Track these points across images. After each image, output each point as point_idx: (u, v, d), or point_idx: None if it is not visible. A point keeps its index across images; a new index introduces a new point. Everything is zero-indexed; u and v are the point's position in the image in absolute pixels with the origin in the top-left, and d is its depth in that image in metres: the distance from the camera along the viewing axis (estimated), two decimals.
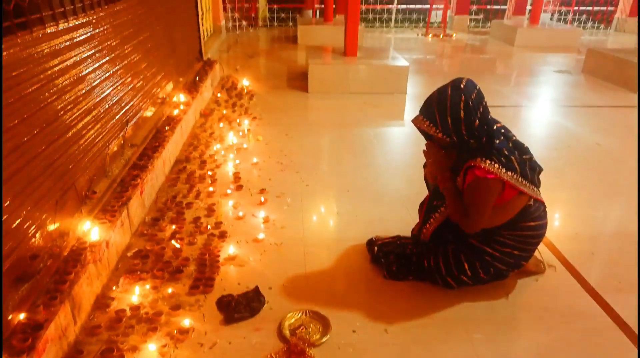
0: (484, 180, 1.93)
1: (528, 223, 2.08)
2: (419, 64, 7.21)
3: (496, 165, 1.93)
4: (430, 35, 9.71)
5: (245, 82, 5.55)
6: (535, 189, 2.08)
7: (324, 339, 1.93)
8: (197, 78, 4.77)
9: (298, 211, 2.92)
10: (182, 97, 4.08)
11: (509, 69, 7.41)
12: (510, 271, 2.22)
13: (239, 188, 3.14)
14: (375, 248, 2.43)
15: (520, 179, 1.98)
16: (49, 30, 2.04)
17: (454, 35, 9.77)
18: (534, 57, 7.88)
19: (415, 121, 2.07)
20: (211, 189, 3.08)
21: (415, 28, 10.60)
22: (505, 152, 1.97)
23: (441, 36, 9.60)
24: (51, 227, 2.00)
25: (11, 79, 1.73)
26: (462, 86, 1.95)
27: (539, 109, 5.17)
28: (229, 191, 3.08)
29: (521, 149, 2.06)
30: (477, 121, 1.94)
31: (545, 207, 2.15)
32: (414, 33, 10.09)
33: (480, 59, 7.95)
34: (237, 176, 3.27)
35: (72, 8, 2.27)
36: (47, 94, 1.99)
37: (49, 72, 2.01)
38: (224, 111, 4.60)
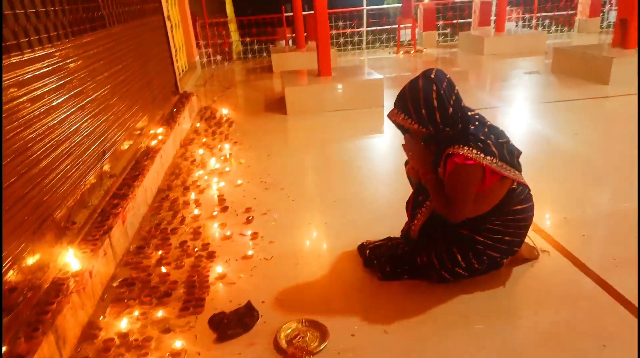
0: (464, 167, 1.92)
1: (515, 207, 2.07)
2: (394, 79, 7.33)
3: (474, 150, 1.93)
4: (401, 52, 9.93)
5: (223, 111, 5.56)
6: (517, 172, 2.08)
7: (322, 346, 1.86)
8: (175, 110, 4.77)
9: (286, 225, 2.87)
10: (160, 128, 4.06)
11: (481, 76, 7.57)
12: (505, 259, 2.19)
13: (224, 209, 3.09)
14: (367, 252, 2.39)
15: (500, 163, 1.97)
16: (13, 60, 2.02)
17: (425, 50, 10.00)
18: (504, 63, 8.07)
19: (390, 115, 2.06)
20: (196, 212, 3.03)
21: (386, 47, 10.83)
22: (482, 137, 1.97)
23: (412, 53, 9.82)
24: (29, 259, 1.92)
25: None
26: (432, 75, 1.96)
27: (515, 108, 5.26)
28: (214, 213, 3.03)
29: (497, 134, 2.06)
30: (451, 109, 1.94)
31: (529, 190, 2.15)
32: (386, 52, 10.30)
33: (453, 70, 8.12)
34: (221, 199, 3.23)
35: (38, 38, 2.26)
36: (14, 124, 1.95)
37: (15, 102, 1.98)
38: (204, 139, 4.58)
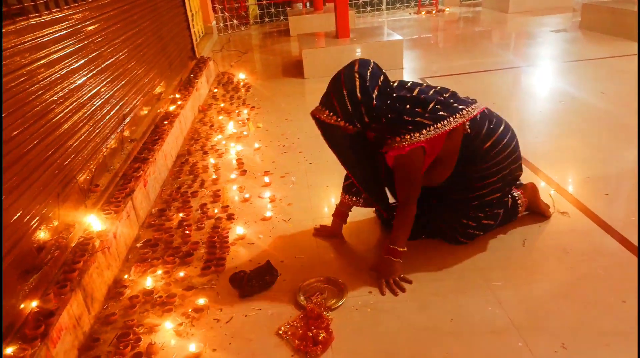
0: (401, 157, 1.88)
1: (485, 146, 1.98)
2: (414, 41, 7.13)
3: (406, 136, 1.85)
4: (423, 12, 9.61)
5: (241, 76, 5.52)
6: (465, 109, 1.93)
7: (340, 302, 1.90)
8: (192, 75, 4.76)
9: (304, 187, 2.88)
10: (178, 94, 4.07)
11: (505, 35, 7.30)
12: (517, 203, 2.21)
13: (243, 172, 3.12)
14: (385, 214, 2.39)
15: (437, 126, 1.86)
16: (32, 22, 2.02)
17: (447, 10, 9.65)
18: (530, 21, 7.75)
19: (314, 112, 1.91)
20: (215, 177, 3.06)
21: (407, 8, 10.48)
22: (408, 117, 1.86)
23: (434, 12, 9.49)
24: (55, 220, 1.98)
25: None
26: (355, 67, 1.84)
27: (540, 67, 5.07)
28: (233, 177, 3.06)
29: (433, 92, 1.97)
30: (375, 101, 1.82)
31: (489, 111, 2.06)
32: (407, 13, 9.98)
33: (476, 29, 7.84)
34: (240, 162, 3.25)
35: (55, 0, 2.26)
36: (34, 87, 1.97)
37: (34, 65, 2.00)
38: (222, 105, 4.58)
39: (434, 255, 2.13)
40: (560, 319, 1.72)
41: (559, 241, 2.14)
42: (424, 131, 1.85)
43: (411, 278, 1.99)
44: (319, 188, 2.87)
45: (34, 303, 1.65)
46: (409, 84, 2.00)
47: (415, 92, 1.94)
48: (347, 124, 1.85)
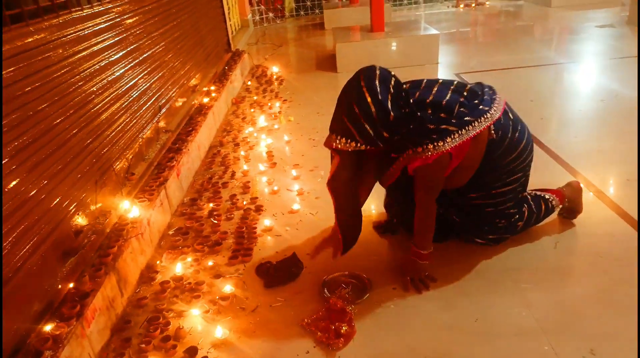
0: (426, 167, 1.79)
1: (511, 151, 1.89)
2: (452, 35, 6.98)
3: (429, 146, 1.74)
4: (461, 5, 9.39)
5: (274, 69, 5.57)
6: (489, 112, 1.82)
7: (364, 297, 1.91)
8: (227, 68, 4.83)
9: None
10: (212, 86, 4.15)
11: (548, 31, 7.05)
12: (548, 204, 2.14)
13: (273, 165, 3.16)
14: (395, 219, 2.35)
15: (463, 131, 1.76)
16: (74, 15, 2.11)
17: (487, 3, 9.39)
18: (574, 16, 7.45)
19: (328, 143, 1.78)
20: (246, 168, 3.11)
21: (445, 1, 10.27)
22: (432, 125, 1.74)
23: (473, 5, 9.26)
24: (92, 206, 2.07)
25: (38, 63, 1.80)
26: (361, 82, 1.70)
27: (583, 64, 4.88)
28: (262, 169, 3.10)
29: (450, 91, 1.84)
30: (392, 113, 1.69)
31: (508, 106, 1.94)
32: (444, 6, 9.77)
33: (517, 23, 7.61)
34: (270, 155, 3.29)
35: None
36: (75, 78, 2.06)
37: (76, 57, 2.08)
38: (255, 97, 4.64)
39: (463, 255, 2.10)
40: (591, 324, 1.67)
41: (593, 245, 2.07)
42: (449, 139, 1.74)
43: (437, 277, 1.97)
44: None
45: (71, 285, 1.74)
46: (423, 84, 1.88)
47: (433, 95, 1.81)
48: (369, 146, 1.74)
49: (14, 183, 1.58)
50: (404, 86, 1.83)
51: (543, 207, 2.14)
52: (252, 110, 4.26)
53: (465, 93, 1.86)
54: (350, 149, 1.74)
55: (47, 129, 1.82)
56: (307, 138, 3.58)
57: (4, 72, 1.60)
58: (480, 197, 2.00)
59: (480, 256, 2.08)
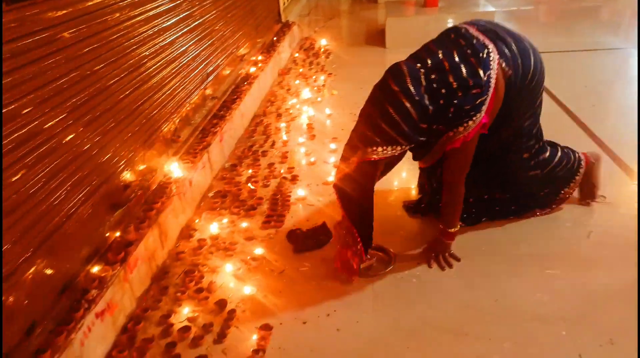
0: (466, 144, 1.77)
1: (528, 79, 1.82)
2: (511, 13, 6.68)
3: (470, 122, 1.72)
4: None
5: (323, 42, 5.57)
6: (491, 54, 1.74)
7: (388, 268, 1.97)
8: (275, 39, 4.88)
9: None
10: (260, 56, 4.23)
11: (615, 12, 6.60)
12: (579, 161, 2.16)
13: (312, 137, 3.22)
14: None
15: (488, 90, 1.71)
16: None
17: None
18: None
19: (365, 157, 1.72)
20: (286, 138, 3.20)
21: None
22: (468, 106, 1.70)
23: None
24: (140, 164, 2.22)
25: (97, 25, 1.92)
26: (393, 86, 1.69)
27: None
28: (302, 140, 3.17)
29: (460, 54, 1.76)
30: (430, 108, 1.69)
31: (521, 42, 1.84)
32: None
33: (582, 4, 7.16)
34: (310, 127, 3.35)
35: None
36: (129, 42, 2.18)
37: (131, 21, 2.20)
38: (301, 69, 4.68)
39: (490, 238, 2.11)
40: (613, 316, 1.67)
41: (628, 238, 2.02)
42: (483, 107, 1.73)
43: (461, 258, 1.99)
44: None
45: (117, 233, 1.90)
46: (435, 54, 1.76)
47: (448, 65, 1.72)
48: (410, 145, 1.76)
49: (70, 136, 1.73)
50: (427, 65, 1.75)
51: (572, 155, 2.13)
52: (296, 82, 4.31)
53: (468, 50, 1.75)
54: (396, 154, 1.74)
55: (102, 89, 1.95)
56: (349, 112, 3.61)
57: (66, 32, 1.73)
58: (519, 150, 2.00)
59: (508, 240, 2.08)
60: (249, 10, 4.25)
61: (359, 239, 1.85)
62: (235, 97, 3.33)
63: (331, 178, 2.68)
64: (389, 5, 5.97)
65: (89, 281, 1.66)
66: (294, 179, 2.70)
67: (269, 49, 4.54)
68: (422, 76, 1.71)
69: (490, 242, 2.08)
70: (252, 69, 3.92)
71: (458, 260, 1.99)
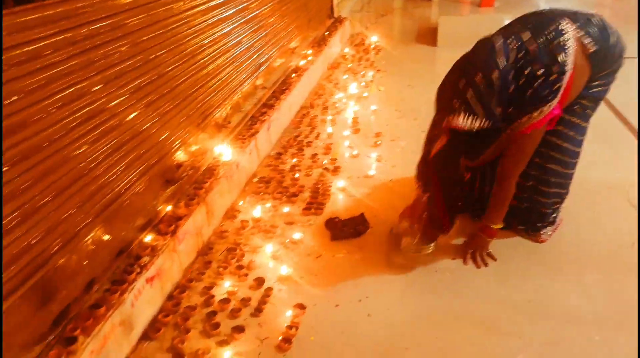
0: (534, 131, 1.74)
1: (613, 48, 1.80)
2: None
3: (545, 107, 1.69)
4: None
5: (373, 39, 5.59)
6: (573, 28, 1.72)
7: (428, 251, 2.02)
8: (327, 33, 4.96)
9: (411, 153, 2.94)
10: (310, 50, 4.32)
11: None
12: None
13: (357, 131, 3.28)
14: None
15: (565, 71, 1.67)
16: None
17: None
18: None
19: (449, 123, 1.69)
20: (330, 131, 3.27)
21: None
22: (546, 90, 1.67)
23: None
24: (193, 145, 2.36)
25: (160, 13, 2.06)
26: (484, 55, 1.69)
27: None
28: (346, 134, 3.24)
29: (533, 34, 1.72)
30: (512, 85, 1.68)
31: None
32: None
33: None
34: (355, 121, 3.41)
35: None
36: (189, 30, 2.31)
37: (192, 11, 2.33)
38: (350, 65, 4.73)
39: (528, 241, 2.10)
40: None
41: None
42: (559, 94, 1.69)
43: (498, 256, 2.00)
44: None
45: (169, 208, 2.04)
46: (523, 33, 1.73)
47: (533, 47, 1.69)
48: (489, 123, 1.68)
49: (131, 116, 1.87)
50: (514, 44, 1.73)
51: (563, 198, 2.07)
52: (345, 77, 4.38)
53: (552, 34, 1.72)
54: (474, 128, 1.68)
55: (162, 73, 2.09)
56: (394, 109, 3.64)
57: (132, 19, 1.87)
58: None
59: (547, 244, 2.06)
60: (302, 4, 4.34)
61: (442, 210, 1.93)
62: (285, 88, 3.44)
63: (372, 172, 2.74)
64: (442, 4, 5.92)
65: (142, 248, 1.81)
66: (336, 170, 2.77)
67: (320, 43, 4.62)
68: (511, 52, 1.70)
69: (527, 242, 2.08)
70: (302, 62, 4.02)
71: (494, 259, 2.00)
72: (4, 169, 1.30)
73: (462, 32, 5.14)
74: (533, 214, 2.05)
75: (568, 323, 1.67)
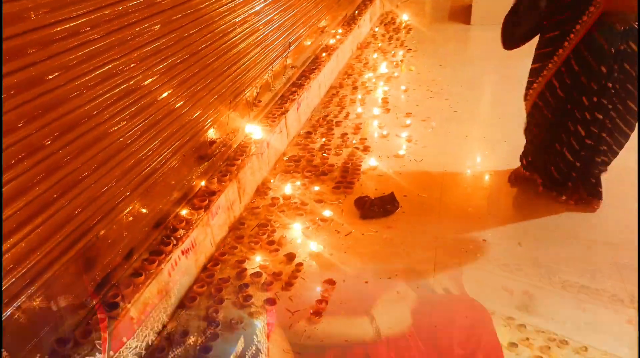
0: None
1: None
2: None
3: None
4: None
5: (404, 17, 5.49)
6: None
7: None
8: (357, 12, 4.90)
9: (442, 134, 2.92)
10: (340, 29, 4.28)
11: None
12: None
13: (387, 111, 3.25)
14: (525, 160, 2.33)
15: None
16: None
17: None
18: None
19: None
20: (360, 110, 3.26)
21: None
22: None
23: None
24: (225, 124, 2.40)
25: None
26: None
27: None
28: (376, 113, 3.22)
29: None
30: None
31: None
32: None
33: None
34: (385, 101, 3.38)
35: None
36: (221, 9, 2.32)
37: None
38: (380, 44, 4.68)
39: (565, 222, 2.09)
40: None
41: None
42: None
43: (535, 242, 1.98)
44: (457, 136, 2.88)
45: (202, 183, 2.09)
46: None
47: None
48: None
49: (165, 94, 1.91)
50: None
51: None
52: (375, 56, 4.33)
53: None
54: None
55: (194, 52, 2.12)
56: (425, 89, 3.59)
57: None
58: None
59: (584, 226, 2.04)
60: None
61: None
62: (314, 67, 3.43)
63: (402, 152, 2.72)
64: None
65: (178, 221, 1.86)
66: (366, 149, 2.77)
67: (350, 22, 4.57)
68: None
69: (561, 227, 2.05)
70: (332, 41, 3.99)
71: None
72: (46, 143, 1.36)
73: (497, 10, 4.95)
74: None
75: (601, 307, 1.65)
